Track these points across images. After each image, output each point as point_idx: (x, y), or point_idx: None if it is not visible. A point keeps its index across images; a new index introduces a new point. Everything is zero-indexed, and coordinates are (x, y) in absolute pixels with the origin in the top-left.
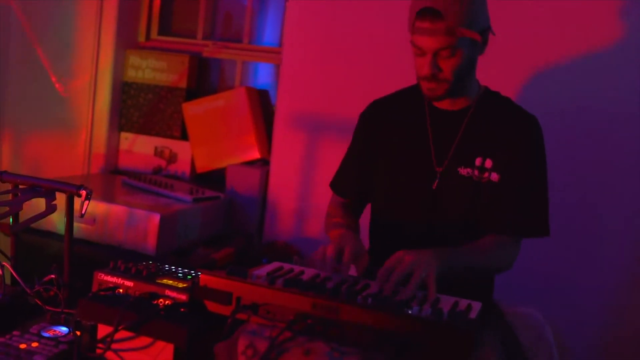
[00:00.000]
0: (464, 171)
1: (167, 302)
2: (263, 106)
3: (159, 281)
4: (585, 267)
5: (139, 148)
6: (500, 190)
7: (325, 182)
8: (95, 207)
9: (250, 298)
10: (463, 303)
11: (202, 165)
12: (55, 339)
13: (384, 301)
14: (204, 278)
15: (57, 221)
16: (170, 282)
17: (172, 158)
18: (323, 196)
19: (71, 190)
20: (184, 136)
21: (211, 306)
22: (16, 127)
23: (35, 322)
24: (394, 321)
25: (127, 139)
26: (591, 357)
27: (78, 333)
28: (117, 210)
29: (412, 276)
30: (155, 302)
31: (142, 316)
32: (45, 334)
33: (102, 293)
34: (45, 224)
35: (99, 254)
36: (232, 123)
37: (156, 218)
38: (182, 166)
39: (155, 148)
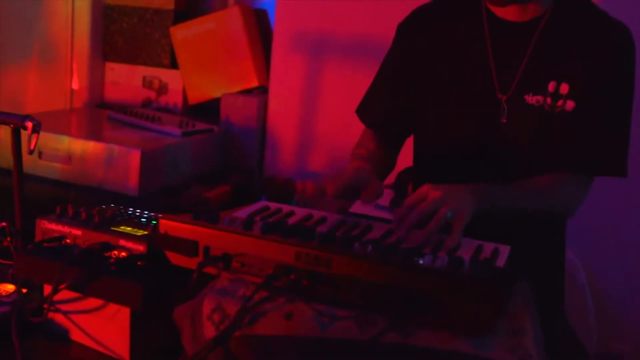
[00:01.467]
0: (532, 99)
1: (122, 254)
2: (260, 27)
3: (115, 229)
4: (632, 207)
5: (126, 79)
6: (573, 119)
7: (330, 110)
8: (71, 144)
9: (221, 247)
10: (488, 248)
11: (195, 96)
12: None
13: (388, 249)
14: (165, 224)
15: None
16: (129, 229)
17: (162, 89)
18: (328, 126)
19: (16, 122)
20: (174, 64)
21: (174, 258)
22: None
23: None
24: (398, 274)
25: (112, 70)
26: (629, 302)
27: (24, 291)
28: (94, 147)
29: (434, 216)
30: (108, 254)
31: (87, 272)
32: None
33: (45, 244)
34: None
35: (76, 197)
36: (226, 47)
37: (137, 155)
38: (173, 97)
39: (144, 78)
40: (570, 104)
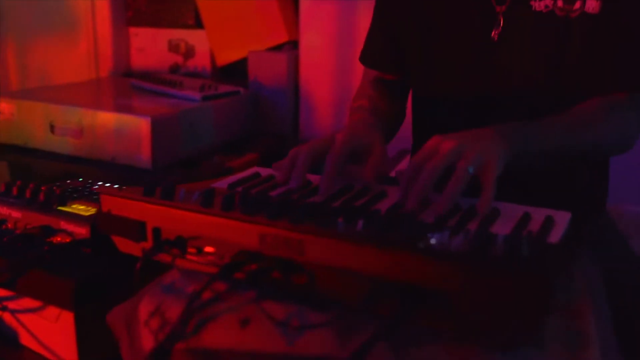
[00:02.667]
0: (540, 4)
1: (66, 239)
2: None
3: (62, 209)
4: None
5: (151, 44)
6: (604, 24)
7: None
8: (82, 116)
9: (175, 229)
10: (538, 216)
11: (223, 57)
12: None
13: (387, 225)
14: (107, 200)
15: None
16: (81, 208)
17: (189, 52)
18: None
19: None
20: (199, 24)
21: (121, 244)
22: (17, 33)
23: None
24: (396, 262)
25: (136, 35)
26: None
27: None
28: (104, 117)
29: (453, 173)
30: (50, 239)
31: (12, 265)
32: None
33: None
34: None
35: (89, 172)
36: (252, 0)
37: (147, 123)
38: (201, 61)
39: (169, 42)
40: (592, 4)
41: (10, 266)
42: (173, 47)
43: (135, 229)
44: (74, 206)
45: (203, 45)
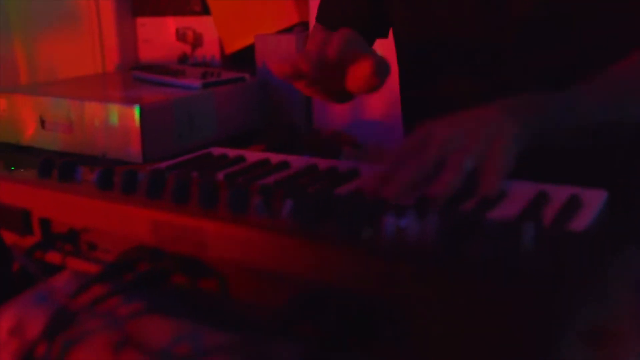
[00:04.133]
0: None
1: None
2: None
3: None
4: None
5: (158, 35)
6: None
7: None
8: (70, 108)
9: (68, 220)
10: (560, 195)
11: (231, 43)
12: None
13: (333, 207)
14: None
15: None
16: None
17: (197, 41)
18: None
19: None
20: (206, 10)
21: (9, 239)
22: (24, 29)
23: None
24: (330, 259)
25: (143, 26)
26: None
27: None
28: (91, 109)
29: (444, 169)
30: None
31: None
32: None
33: None
34: None
35: None
36: None
37: (134, 112)
38: (210, 49)
39: (177, 31)
40: None
41: None
42: (180, 36)
43: (18, 220)
44: None
45: (211, 33)
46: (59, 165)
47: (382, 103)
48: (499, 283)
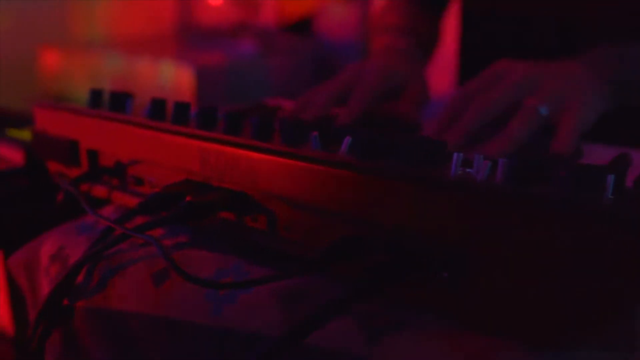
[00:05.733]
0: None
1: (1, 167)
2: None
3: (12, 133)
4: None
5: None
6: None
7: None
8: (124, 65)
9: (114, 151)
10: None
11: (290, 12)
12: None
13: (397, 147)
14: (41, 115)
15: None
16: (22, 133)
17: (255, 6)
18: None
19: None
20: None
21: (55, 170)
22: None
23: None
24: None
25: None
26: None
27: None
28: (146, 66)
29: (517, 112)
30: None
31: None
32: None
33: None
34: None
35: None
36: None
37: (189, 72)
38: (267, 16)
39: None
40: None
41: None
42: (238, 1)
43: (66, 151)
44: (17, 131)
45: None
46: (109, 96)
47: (447, 73)
48: (590, 221)
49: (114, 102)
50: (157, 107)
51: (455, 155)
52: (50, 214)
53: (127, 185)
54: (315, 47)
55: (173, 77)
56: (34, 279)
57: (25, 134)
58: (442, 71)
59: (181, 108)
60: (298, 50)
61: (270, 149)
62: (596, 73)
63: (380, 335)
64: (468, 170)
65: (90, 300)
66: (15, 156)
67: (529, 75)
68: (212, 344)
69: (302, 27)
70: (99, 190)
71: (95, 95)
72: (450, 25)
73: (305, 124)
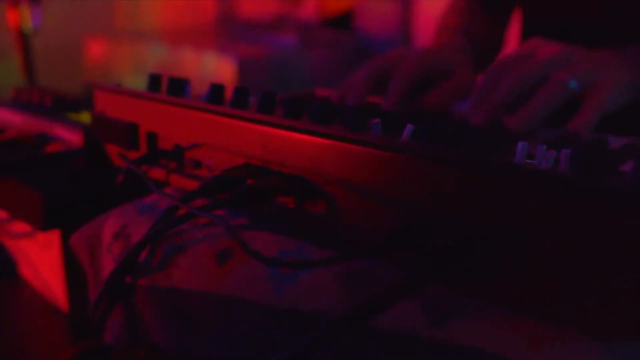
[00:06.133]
0: None
1: (59, 149)
2: None
3: (71, 115)
4: None
5: None
6: None
7: None
8: (167, 55)
9: (175, 135)
10: None
11: (331, 6)
12: None
13: (446, 133)
14: (101, 98)
15: None
16: (82, 116)
17: (294, 2)
18: None
19: None
20: None
21: (115, 154)
22: None
23: None
24: (452, 183)
25: None
26: None
27: None
28: (188, 56)
29: (545, 84)
30: (41, 147)
31: None
32: None
33: None
34: None
35: None
36: None
37: (231, 63)
38: (309, 10)
39: None
40: None
41: None
42: None
43: (126, 134)
44: (77, 115)
45: None
46: (167, 80)
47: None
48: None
49: (173, 87)
50: (216, 93)
51: (520, 144)
52: (109, 195)
53: (184, 168)
54: (355, 42)
55: (215, 68)
56: (97, 257)
57: (83, 117)
58: None
59: (241, 93)
60: (338, 44)
61: (335, 134)
62: (630, 63)
63: (444, 318)
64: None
65: (152, 278)
66: (73, 138)
67: (562, 54)
68: (272, 322)
69: (342, 21)
70: (157, 173)
71: (154, 80)
72: (513, 34)
73: (367, 111)
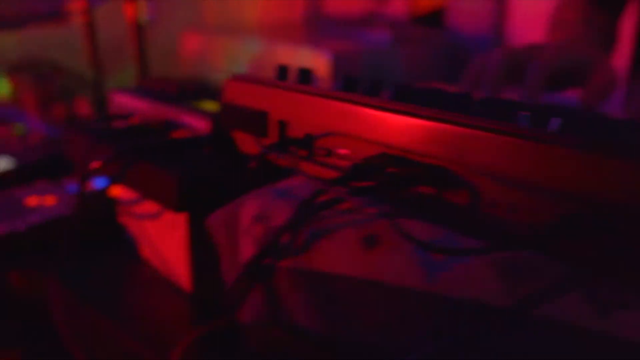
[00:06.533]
0: None
1: (186, 135)
2: None
3: (196, 104)
4: None
5: None
6: None
7: None
8: (261, 49)
9: (305, 123)
10: None
11: (422, 3)
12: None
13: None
14: (231, 87)
15: None
16: (207, 105)
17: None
18: None
19: None
20: None
21: (242, 141)
22: None
23: None
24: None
25: None
26: None
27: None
28: (283, 50)
29: None
30: (168, 133)
31: (120, 154)
32: (71, 187)
33: (99, 122)
34: None
35: None
36: None
37: (327, 59)
38: (397, 7)
39: None
40: None
41: (117, 156)
42: None
43: (256, 122)
44: (203, 104)
45: None
46: (296, 70)
47: None
48: None
49: (302, 77)
50: (349, 83)
51: None
52: (239, 180)
53: (315, 156)
54: (447, 39)
55: (310, 63)
56: (234, 238)
57: (207, 105)
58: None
59: (375, 85)
60: (430, 41)
61: (483, 125)
62: None
63: (611, 310)
64: None
65: (295, 260)
66: (199, 125)
67: None
68: (424, 309)
69: (432, 18)
70: (286, 160)
71: (282, 71)
72: (627, 27)
73: (513, 104)
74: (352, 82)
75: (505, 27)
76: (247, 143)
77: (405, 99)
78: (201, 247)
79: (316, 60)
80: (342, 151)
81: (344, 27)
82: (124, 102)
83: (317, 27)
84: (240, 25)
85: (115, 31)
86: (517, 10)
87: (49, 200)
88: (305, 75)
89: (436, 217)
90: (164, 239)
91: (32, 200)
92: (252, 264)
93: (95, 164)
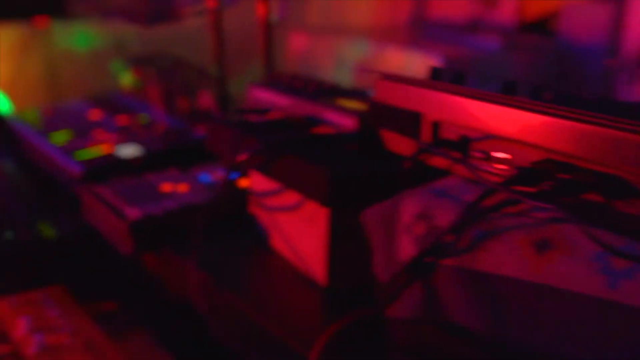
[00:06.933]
0: None
1: (330, 131)
2: None
3: (335, 101)
4: None
5: None
6: None
7: None
8: (370, 51)
9: (460, 124)
10: None
11: (531, 9)
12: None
13: None
14: (382, 87)
15: None
16: (351, 103)
17: (492, 1)
18: None
19: None
20: None
21: (391, 140)
22: None
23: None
24: None
25: None
26: None
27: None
28: (392, 53)
29: None
30: (312, 129)
31: (268, 147)
32: (204, 177)
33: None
34: None
35: None
36: None
37: (436, 64)
38: (505, 12)
39: None
40: None
41: (266, 149)
42: None
43: (407, 122)
44: (344, 101)
45: None
46: (449, 72)
47: None
48: None
49: (456, 79)
50: (509, 88)
51: None
52: (388, 178)
53: (469, 159)
54: (558, 48)
55: (419, 68)
56: (392, 234)
57: (350, 104)
58: None
59: (537, 90)
60: (539, 48)
61: None
62: None
63: None
64: None
65: (459, 259)
66: (343, 122)
67: None
68: (603, 316)
69: (541, 25)
70: (439, 161)
71: (437, 73)
72: None
73: None
74: (512, 88)
75: (621, 37)
76: (396, 142)
77: (568, 104)
78: (339, 241)
79: (426, 65)
80: (500, 155)
81: (450, 32)
82: (261, 96)
83: (422, 31)
84: (345, 27)
85: (237, 29)
86: (637, 19)
87: (182, 188)
88: (459, 77)
89: (612, 226)
90: (300, 231)
91: (166, 187)
92: (414, 261)
93: (242, 156)
